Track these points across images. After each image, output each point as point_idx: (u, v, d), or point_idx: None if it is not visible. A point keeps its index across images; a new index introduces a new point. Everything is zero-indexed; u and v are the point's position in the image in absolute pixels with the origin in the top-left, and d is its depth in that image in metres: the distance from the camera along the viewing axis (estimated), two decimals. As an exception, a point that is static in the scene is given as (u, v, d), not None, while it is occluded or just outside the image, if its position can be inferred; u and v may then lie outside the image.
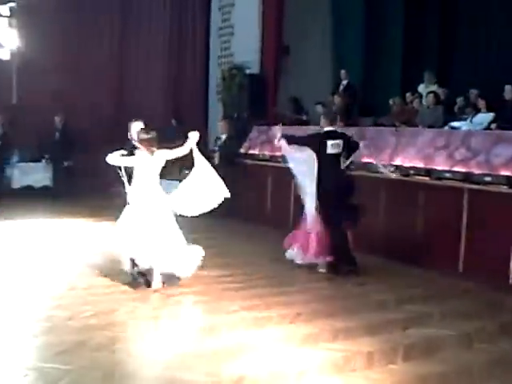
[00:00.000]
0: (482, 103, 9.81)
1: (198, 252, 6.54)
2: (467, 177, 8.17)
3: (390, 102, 11.38)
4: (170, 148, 6.61)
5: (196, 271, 6.59)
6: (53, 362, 4.48)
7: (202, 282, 6.85)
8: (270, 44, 13.85)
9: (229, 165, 11.13)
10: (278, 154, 11.48)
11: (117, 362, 4.57)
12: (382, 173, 8.56)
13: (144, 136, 6.59)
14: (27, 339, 4.96)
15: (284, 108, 13.32)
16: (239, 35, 14.97)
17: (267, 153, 11.85)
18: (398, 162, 9.30)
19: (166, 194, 6.61)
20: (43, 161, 14.38)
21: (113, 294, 6.45)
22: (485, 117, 9.56)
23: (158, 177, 6.62)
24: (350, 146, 7.85)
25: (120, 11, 16.30)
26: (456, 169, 8.52)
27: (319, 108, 11.94)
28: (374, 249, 8.63)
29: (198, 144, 6.66)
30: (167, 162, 6.67)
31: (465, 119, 9.92)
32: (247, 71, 13.81)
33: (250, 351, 4.90)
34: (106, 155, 6.67)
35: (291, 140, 7.73)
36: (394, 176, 8.65)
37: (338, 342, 5.13)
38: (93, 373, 4.35)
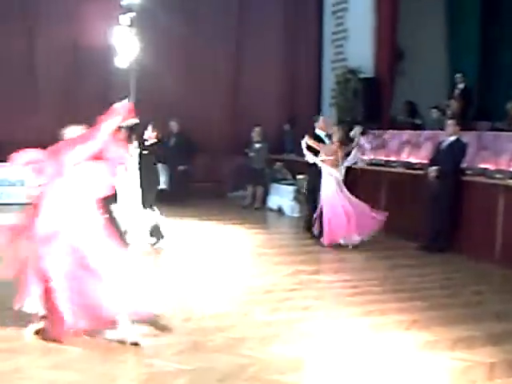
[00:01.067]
0: None
1: None
2: None
3: (508, 105, 11.04)
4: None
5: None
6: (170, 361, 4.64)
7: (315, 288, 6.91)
8: (385, 48, 13.69)
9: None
10: (392, 158, 11.39)
11: (234, 364, 4.64)
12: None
13: None
14: (149, 338, 5.17)
15: (398, 112, 13.22)
16: (353, 39, 14.89)
17: (382, 157, 11.77)
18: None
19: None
20: (159, 165, 14.85)
21: (227, 296, 6.61)
22: None
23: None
24: None
25: (236, 17, 16.61)
26: None
27: (434, 112, 11.79)
28: (493, 256, 8.47)
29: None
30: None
31: None
32: (361, 75, 13.74)
33: (365, 358, 4.87)
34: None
35: None
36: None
37: (457, 351, 4.99)
38: (210, 373, 4.45)
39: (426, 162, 9.86)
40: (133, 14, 15.82)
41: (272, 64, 16.50)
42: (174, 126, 14.63)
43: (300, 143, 9.91)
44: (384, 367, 4.68)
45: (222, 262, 8.40)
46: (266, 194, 13.95)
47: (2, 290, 5.52)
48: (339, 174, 9.52)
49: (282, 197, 13.44)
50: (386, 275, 7.74)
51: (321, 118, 10.67)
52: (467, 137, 9.52)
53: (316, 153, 9.75)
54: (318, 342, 5.21)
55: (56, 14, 16.35)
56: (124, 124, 5.95)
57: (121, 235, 7.04)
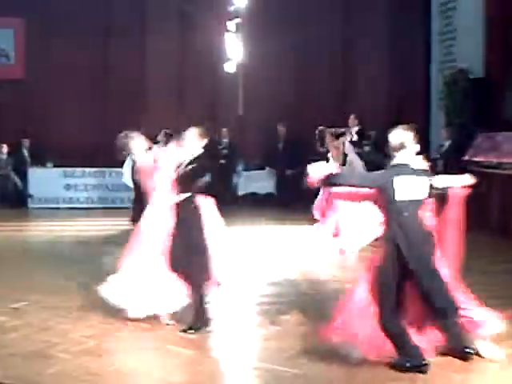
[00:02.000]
0: None
1: None
2: None
3: None
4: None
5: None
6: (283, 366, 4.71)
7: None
8: (496, 47, 13.37)
9: (452, 172, 10.94)
10: (505, 160, 11.10)
11: (346, 370, 4.64)
12: None
13: None
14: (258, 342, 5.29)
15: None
16: (461, 39, 14.60)
17: (493, 160, 11.50)
18: None
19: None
20: (267, 169, 15.12)
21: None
22: None
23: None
24: None
25: (341, 17, 16.66)
26: None
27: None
28: None
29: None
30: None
31: None
32: (471, 76, 13.46)
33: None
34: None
35: None
36: None
37: None
38: (323, 379, 4.50)
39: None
40: (240, 20, 16.21)
41: (378, 65, 16.42)
42: (281, 130, 14.81)
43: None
44: None
45: (336, 268, 8.33)
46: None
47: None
48: None
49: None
50: None
51: None
52: None
53: None
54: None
55: (167, 20, 16.97)
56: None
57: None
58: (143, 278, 5.50)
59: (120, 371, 4.52)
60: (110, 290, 5.54)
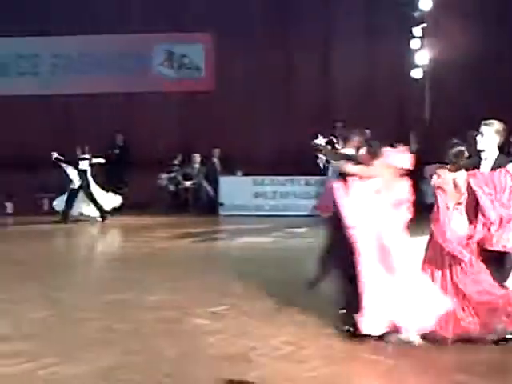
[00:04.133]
0: None
1: None
2: None
3: None
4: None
5: None
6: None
7: None
8: None
9: None
10: None
11: None
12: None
13: None
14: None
15: None
16: None
17: None
18: None
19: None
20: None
21: None
22: None
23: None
24: None
25: None
26: None
27: None
28: None
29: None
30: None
31: None
32: None
33: None
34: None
35: None
36: None
37: None
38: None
39: None
40: (425, 25, 15.91)
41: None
42: (470, 135, 14.28)
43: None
44: None
45: None
46: None
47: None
48: None
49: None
50: None
51: None
52: None
53: None
54: None
55: (351, 27, 17.05)
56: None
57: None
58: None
59: (317, 378, 4.54)
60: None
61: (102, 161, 15.61)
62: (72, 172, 14.96)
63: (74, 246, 11.46)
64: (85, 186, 14.80)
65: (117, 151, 18.18)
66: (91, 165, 15.21)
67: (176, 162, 17.52)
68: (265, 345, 5.21)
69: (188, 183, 17.02)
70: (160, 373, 4.51)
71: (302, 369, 4.68)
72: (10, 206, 17.35)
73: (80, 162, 14.98)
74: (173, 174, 17.28)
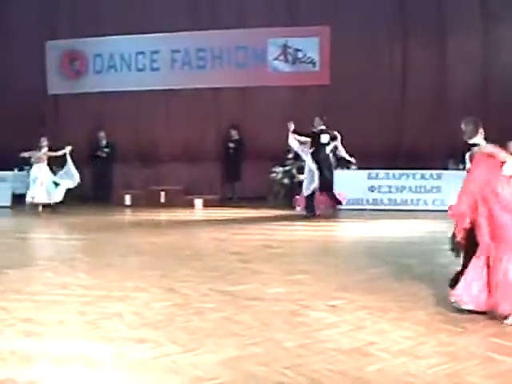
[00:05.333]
0: None
1: None
2: None
3: None
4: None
5: None
6: None
7: None
8: None
9: None
10: None
11: None
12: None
13: None
14: None
15: None
16: None
17: None
18: None
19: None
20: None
21: None
22: None
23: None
24: None
25: None
26: None
27: None
28: None
29: None
30: None
31: None
32: None
33: None
34: None
35: None
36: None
37: None
38: None
39: None
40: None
41: None
42: None
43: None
44: None
45: None
46: None
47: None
48: None
49: None
50: None
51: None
52: None
53: None
54: None
55: (467, 16, 16.67)
56: None
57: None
58: None
59: (438, 375, 4.48)
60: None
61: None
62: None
63: (191, 238, 11.74)
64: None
65: (232, 145, 18.51)
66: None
67: (290, 155, 17.60)
68: (383, 339, 5.19)
69: (302, 177, 17.05)
70: (280, 364, 4.58)
71: (421, 364, 4.63)
72: (128, 198, 17.99)
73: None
74: (287, 168, 17.37)
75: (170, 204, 17.05)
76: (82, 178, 16.34)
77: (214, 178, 18.79)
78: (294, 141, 14.30)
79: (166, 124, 19.24)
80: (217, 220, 14.36)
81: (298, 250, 10.20)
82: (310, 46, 18.59)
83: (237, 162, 18.35)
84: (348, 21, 17.48)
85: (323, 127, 14.19)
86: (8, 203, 18.00)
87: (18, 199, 17.39)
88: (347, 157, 15.61)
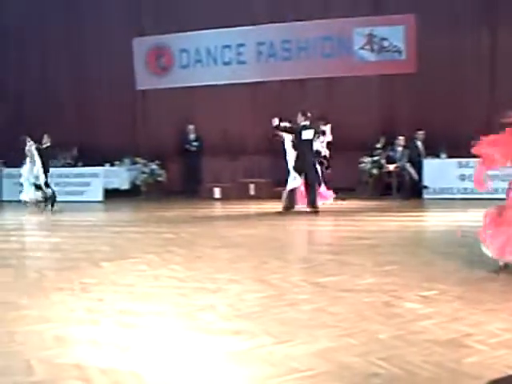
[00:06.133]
0: None
1: None
2: None
3: None
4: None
5: None
6: None
7: None
8: None
9: None
10: None
11: None
12: None
13: None
14: None
15: None
16: None
17: None
18: None
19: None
20: None
21: None
22: None
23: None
24: None
25: None
26: None
27: None
28: None
29: None
30: None
31: None
32: None
33: None
34: None
35: None
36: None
37: None
38: None
39: None
40: None
41: None
42: None
43: None
44: None
45: None
46: None
47: None
48: None
49: None
50: None
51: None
52: None
53: None
54: None
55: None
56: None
57: None
58: None
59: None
60: None
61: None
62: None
63: (281, 230, 11.80)
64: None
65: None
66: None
67: (378, 145, 17.46)
68: (480, 331, 5.09)
69: (391, 167, 16.89)
70: (374, 356, 4.57)
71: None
72: (217, 191, 18.24)
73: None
74: (376, 158, 17.23)
75: (258, 196, 17.19)
76: (171, 172, 16.68)
77: (302, 170, 18.80)
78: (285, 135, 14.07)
79: (252, 116, 19.38)
80: (306, 212, 14.38)
81: (387, 240, 10.10)
82: (396, 34, 18.35)
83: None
84: (433, 8, 17.18)
85: (306, 123, 13.79)
86: (100, 198, 18.56)
87: (110, 194, 17.88)
88: (323, 152, 15.07)
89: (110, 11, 20.70)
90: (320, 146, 14.56)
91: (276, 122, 13.62)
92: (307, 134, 13.57)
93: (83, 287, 7.04)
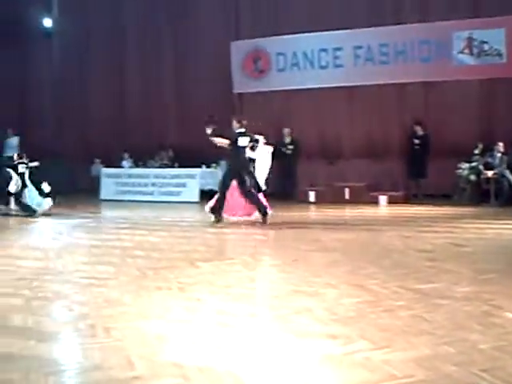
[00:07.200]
0: None
1: None
2: None
3: None
4: None
5: None
6: None
7: None
8: None
9: None
10: None
11: None
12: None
13: None
14: None
15: None
16: None
17: None
18: None
19: None
20: None
21: None
22: None
23: None
24: None
25: None
26: None
27: None
28: None
29: None
30: None
31: None
32: None
33: None
34: None
35: None
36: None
37: None
38: None
39: None
40: None
41: None
42: None
43: None
44: None
45: None
46: None
47: None
48: None
49: None
50: None
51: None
52: None
53: None
54: None
55: None
56: None
57: None
58: None
59: None
60: None
61: (37, 164, 16.26)
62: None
63: (377, 235, 11.71)
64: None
65: (417, 141, 18.23)
66: (28, 168, 15.87)
67: (477, 151, 17.07)
68: None
69: (490, 173, 16.48)
70: (476, 367, 4.49)
71: None
72: (312, 195, 18.26)
73: (19, 166, 15.65)
74: (473, 164, 16.85)
75: (354, 200, 17.12)
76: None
77: (398, 175, 18.60)
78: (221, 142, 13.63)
79: (349, 120, 19.33)
80: (402, 217, 14.21)
81: (486, 248, 9.87)
82: (496, 37, 17.87)
83: (422, 159, 18.02)
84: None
85: (241, 130, 13.50)
86: (196, 199, 18.91)
87: (206, 195, 18.18)
88: (253, 156, 14.22)
89: (209, 14, 21.10)
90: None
91: (210, 130, 13.52)
92: (242, 141, 13.46)
93: (181, 287, 7.20)
